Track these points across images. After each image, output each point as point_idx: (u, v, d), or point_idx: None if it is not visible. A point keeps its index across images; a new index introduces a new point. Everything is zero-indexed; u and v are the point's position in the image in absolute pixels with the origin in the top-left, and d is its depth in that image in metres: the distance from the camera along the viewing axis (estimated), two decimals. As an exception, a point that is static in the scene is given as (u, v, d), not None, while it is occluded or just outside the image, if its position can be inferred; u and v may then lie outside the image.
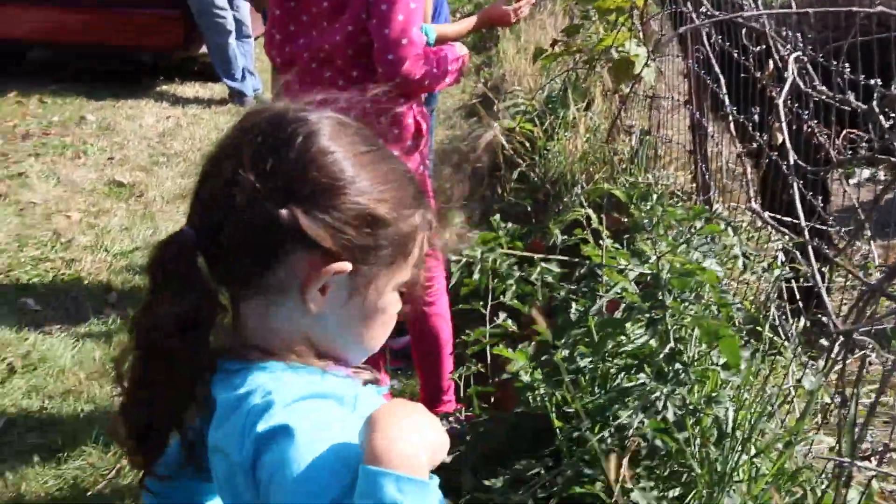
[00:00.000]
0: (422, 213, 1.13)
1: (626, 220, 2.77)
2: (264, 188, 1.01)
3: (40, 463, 3.03)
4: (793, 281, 2.14)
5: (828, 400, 1.83)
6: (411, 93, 2.59)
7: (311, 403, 1.00)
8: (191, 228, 1.07)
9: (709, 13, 2.68)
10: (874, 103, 1.67)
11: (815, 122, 2.17)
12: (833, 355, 1.75)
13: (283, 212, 1.00)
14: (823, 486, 1.66)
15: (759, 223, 2.46)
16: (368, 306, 1.10)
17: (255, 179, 1.01)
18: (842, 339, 1.50)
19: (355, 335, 1.13)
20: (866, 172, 3.48)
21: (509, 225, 2.35)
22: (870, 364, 1.59)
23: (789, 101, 2.08)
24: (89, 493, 2.89)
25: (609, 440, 1.96)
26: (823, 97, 1.97)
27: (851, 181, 2.91)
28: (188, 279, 1.06)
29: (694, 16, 2.82)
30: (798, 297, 2.14)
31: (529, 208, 3.48)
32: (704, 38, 2.81)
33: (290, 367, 1.06)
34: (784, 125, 2.01)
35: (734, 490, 1.79)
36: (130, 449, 1.14)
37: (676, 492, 1.86)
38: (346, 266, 1.04)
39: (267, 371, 1.04)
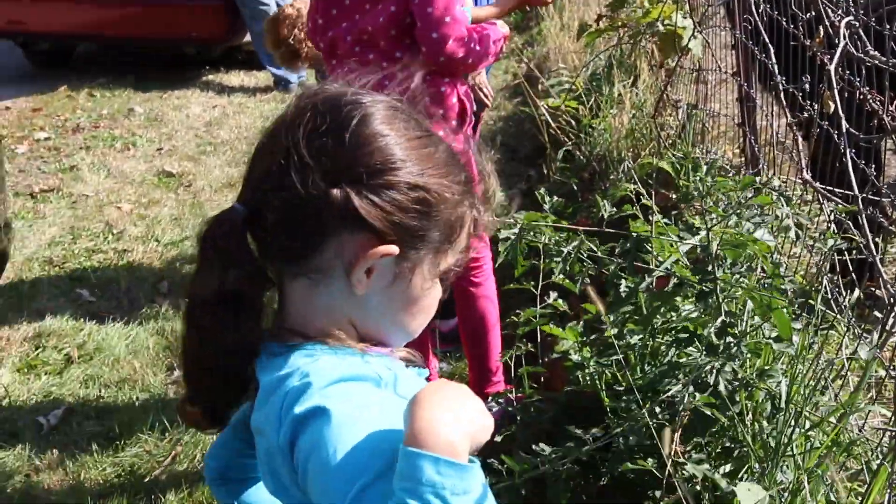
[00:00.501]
0: (470, 198, 1.12)
1: (674, 196, 2.75)
2: (317, 167, 1.02)
3: (98, 451, 3.10)
4: (846, 253, 2.11)
5: (882, 373, 1.81)
6: (455, 71, 2.61)
7: (348, 386, 1.00)
8: (242, 206, 1.08)
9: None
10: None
11: (868, 88, 2.13)
12: (888, 327, 1.73)
13: (335, 191, 1.01)
14: (879, 460, 1.64)
15: (811, 195, 2.43)
16: (413, 290, 1.11)
17: (308, 159, 1.02)
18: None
19: (397, 319, 1.13)
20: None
21: (555, 198, 2.35)
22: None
23: (841, 69, 2.04)
24: (146, 480, 2.95)
25: (660, 415, 1.96)
26: (877, 63, 1.94)
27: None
28: (235, 255, 1.07)
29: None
30: (851, 268, 2.11)
31: (575, 187, 3.47)
32: (752, 7, 2.77)
33: (332, 349, 1.06)
34: (836, 93, 1.97)
35: (787, 465, 1.78)
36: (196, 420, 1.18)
37: (728, 467, 1.86)
38: (394, 249, 1.04)
39: (307, 353, 1.05)
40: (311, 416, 0.96)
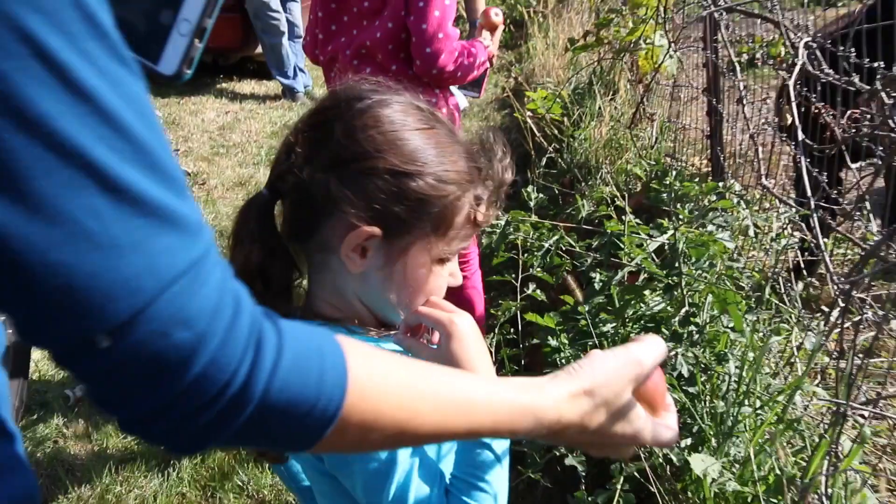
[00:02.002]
0: (466, 188, 1.08)
1: (646, 200, 2.80)
2: (313, 154, 1.05)
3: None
4: (799, 254, 2.17)
5: (827, 360, 1.86)
6: (444, 83, 2.65)
7: None
8: (266, 190, 1.10)
9: (727, 5, 2.70)
10: (877, 84, 1.68)
11: (823, 103, 2.18)
12: (833, 319, 1.77)
13: (325, 176, 1.03)
14: (821, 433, 1.69)
15: (770, 201, 2.48)
16: (408, 273, 1.08)
17: (306, 146, 1.05)
18: (841, 298, 1.53)
19: (399, 300, 1.10)
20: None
21: (539, 195, 2.39)
22: (867, 321, 1.60)
23: (799, 85, 2.09)
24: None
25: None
26: (830, 79, 1.99)
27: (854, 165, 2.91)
28: (258, 233, 1.09)
29: (713, 7, 2.83)
30: (802, 266, 2.16)
31: (557, 191, 3.50)
32: (723, 29, 2.82)
33: (348, 330, 1.08)
34: (794, 106, 2.02)
35: (739, 440, 1.83)
36: None
37: (688, 441, 1.89)
38: (376, 231, 1.03)
39: None
40: None
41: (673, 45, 3.10)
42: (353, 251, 1.05)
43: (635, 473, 1.89)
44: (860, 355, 1.51)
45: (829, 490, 1.51)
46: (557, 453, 2.09)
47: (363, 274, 1.08)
